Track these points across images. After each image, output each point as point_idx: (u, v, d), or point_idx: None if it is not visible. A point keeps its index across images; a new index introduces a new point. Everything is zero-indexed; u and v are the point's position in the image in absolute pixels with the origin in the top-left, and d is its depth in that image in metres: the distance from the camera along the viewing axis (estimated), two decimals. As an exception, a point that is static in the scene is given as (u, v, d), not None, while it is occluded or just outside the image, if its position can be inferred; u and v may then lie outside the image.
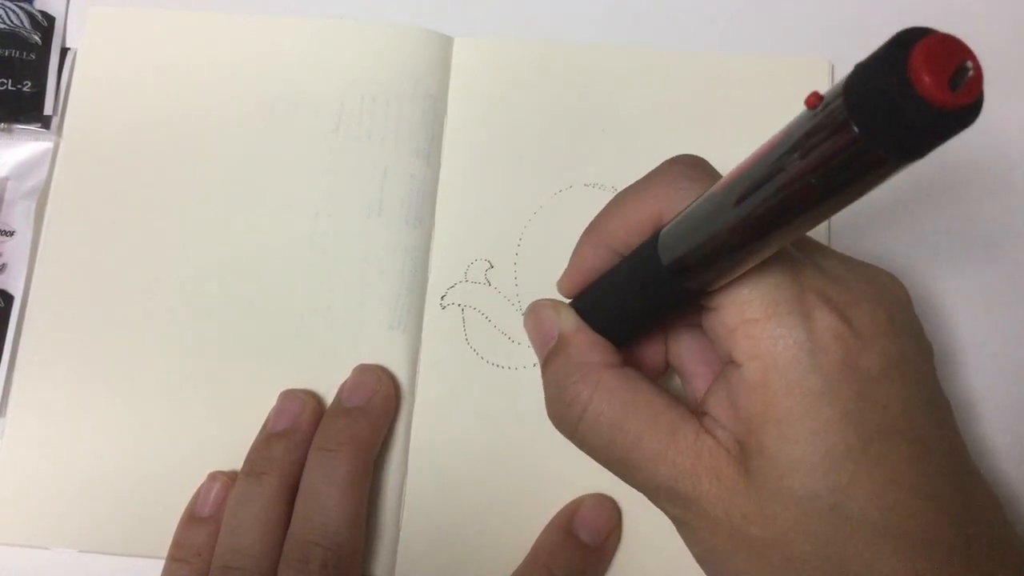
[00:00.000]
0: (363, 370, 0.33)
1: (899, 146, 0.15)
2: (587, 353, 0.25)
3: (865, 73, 0.15)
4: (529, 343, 0.34)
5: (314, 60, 0.37)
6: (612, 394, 0.24)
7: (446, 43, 0.38)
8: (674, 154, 0.36)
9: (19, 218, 0.36)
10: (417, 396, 0.34)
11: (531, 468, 0.33)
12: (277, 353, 0.35)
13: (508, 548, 0.32)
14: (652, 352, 0.28)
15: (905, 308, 0.24)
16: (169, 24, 0.38)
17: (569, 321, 0.27)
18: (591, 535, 0.32)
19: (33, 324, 0.35)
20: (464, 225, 0.36)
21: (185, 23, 0.38)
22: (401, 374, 0.34)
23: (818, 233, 0.34)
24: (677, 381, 0.30)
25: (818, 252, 0.24)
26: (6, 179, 0.37)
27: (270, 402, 0.33)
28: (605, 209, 0.27)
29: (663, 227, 0.23)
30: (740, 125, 0.36)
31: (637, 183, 0.26)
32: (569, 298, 0.28)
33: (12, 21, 0.38)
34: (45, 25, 0.38)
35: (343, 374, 0.34)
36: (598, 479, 0.33)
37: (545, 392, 0.26)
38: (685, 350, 0.27)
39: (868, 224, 0.36)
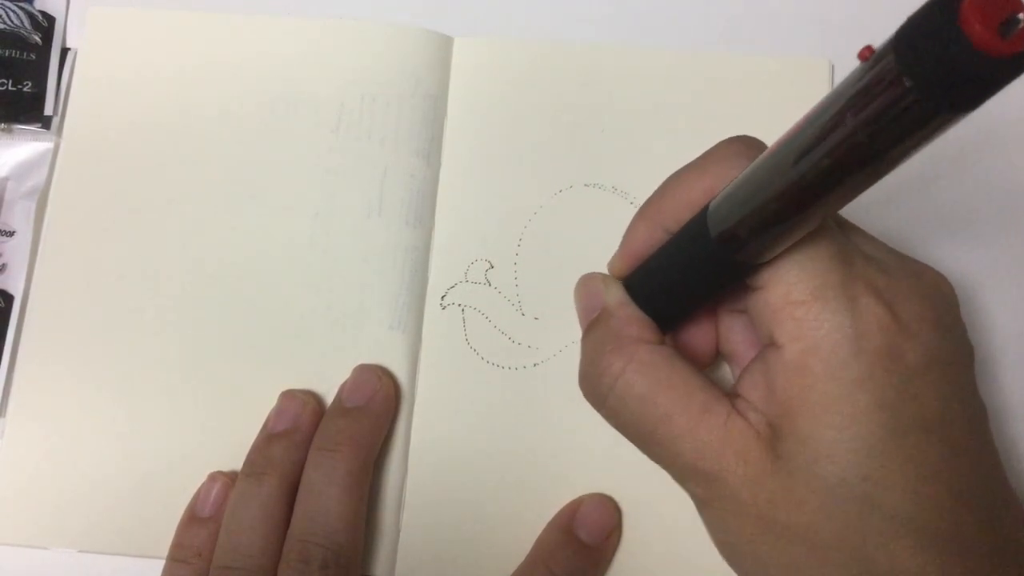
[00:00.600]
0: (363, 370, 0.33)
1: (951, 97, 0.15)
2: (625, 326, 0.25)
3: (915, 25, 0.15)
4: (531, 343, 0.35)
5: (314, 60, 0.37)
6: (645, 368, 0.24)
7: (446, 43, 0.38)
8: (674, 154, 0.36)
9: (19, 218, 0.36)
10: (417, 396, 0.34)
11: (531, 468, 0.33)
12: (277, 353, 0.35)
13: (508, 548, 0.32)
14: (702, 338, 0.28)
15: (951, 307, 0.23)
16: (169, 24, 0.38)
17: (615, 294, 0.26)
18: (591, 535, 0.32)
19: (33, 324, 0.35)
20: (464, 225, 0.36)
21: (185, 23, 0.38)
22: (401, 374, 0.34)
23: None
24: (724, 370, 0.30)
25: (868, 242, 0.24)
26: (6, 179, 0.37)
27: (270, 402, 0.33)
28: (659, 189, 0.27)
29: (712, 199, 0.23)
30: (740, 125, 0.36)
31: (692, 162, 0.26)
32: (620, 279, 0.28)
33: (12, 21, 0.38)
34: (45, 25, 0.38)
35: (343, 374, 0.34)
36: (599, 479, 0.33)
37: (580, 361, 0.26)
38: (736, 335, 0.27)
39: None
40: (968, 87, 0.14)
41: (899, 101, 0.15)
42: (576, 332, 0.35)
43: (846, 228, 0.24)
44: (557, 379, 0.34)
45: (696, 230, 0.23)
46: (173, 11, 0.38)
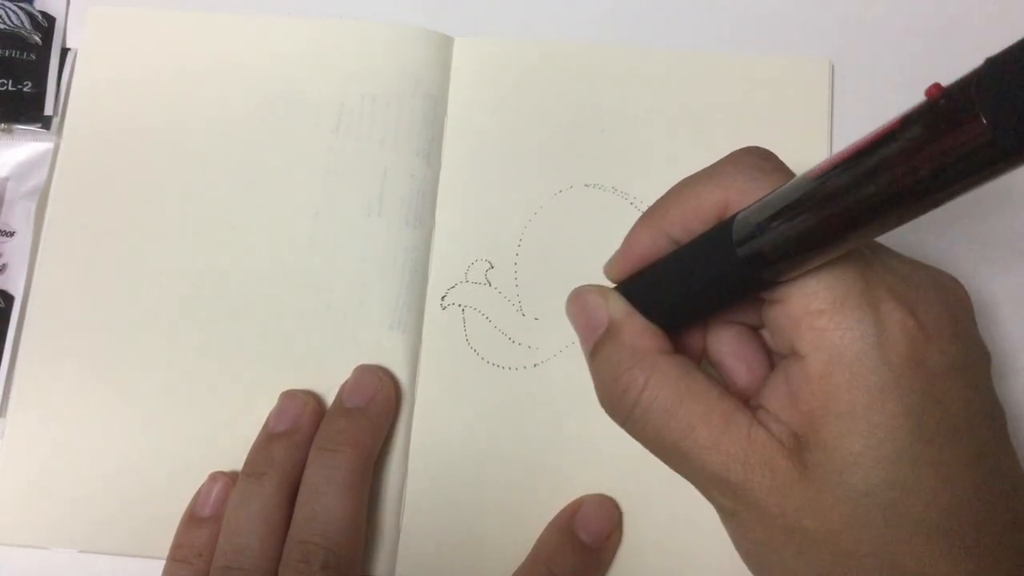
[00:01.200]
0: (363, 370, 0.33)
1: None
2: (640, 338, 0.25)
3: (1000, 67, 0.15)
4: (531, 343, 0.35)
5: (314, 60, 0.37)
6: (667, 380, 0.24)
7: (446, 43, 0.38)
8: (674, 154, 0.36)
9: (19, 218, 0.36)
10: (417, 396, 0.34)
11: (531, 468, 0.33)
12: (277, 353, 0.35)
13: (508, 548, 0.32)
14: (690, 344, 0.28)
15: (967, 312, 0.23)
16: (169, 24, 0.38)
17: (618, 306, 0.26)
18: (591, 535, 0.32)
19: (33, 324, 0.35)
20: (464, 225, 0.36)
21: (185, 23, 0.38)
22: (401, 374, 0.34)
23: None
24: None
25: (884, 251, 0.23)
26: (6, 179, 0.37)
27: (270, 402, 0.33)
28: (667, 195, 0.26)
29: (738, 213, 0.23)
30: (740, 125, 0.36)
31: (703, 171, 0.25)
32: (615, 282, 0.28)
33: (12, 21, 0.38)
34: (45, 25, 0.38)
35: (343, 374, 0.34)
36: (599, 479, 0.33)
37: (596, 379, 0.26)
38: (724, 346, 0.27)
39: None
40: None
41: (974, 141, 0.15)
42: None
43: None
44: (557, 379, 0.34)
45: (717, 243, 0.23)
46: (173, 11, 0.38)
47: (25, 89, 0.37)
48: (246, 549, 0.30)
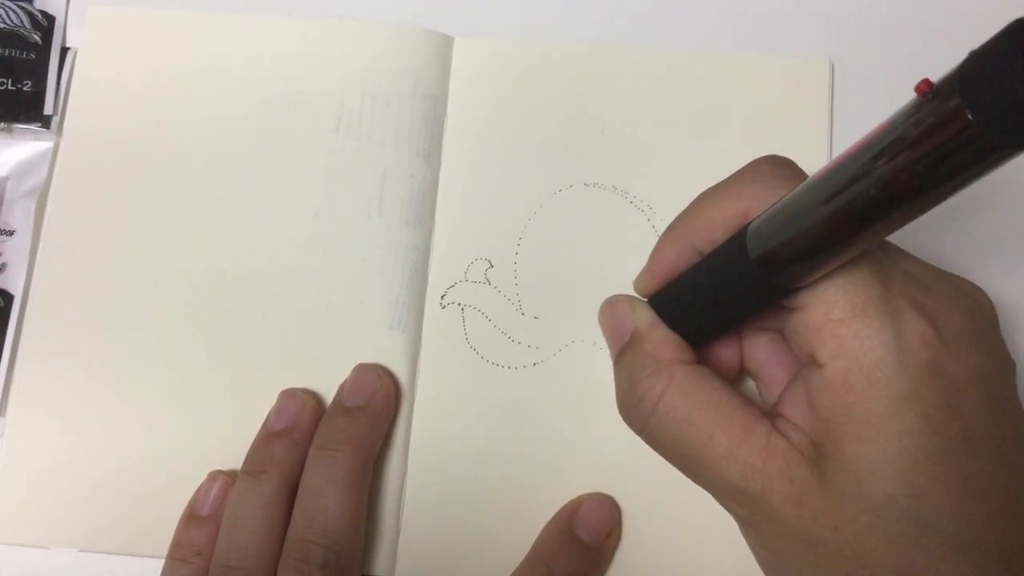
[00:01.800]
0: (363, 369, 0.33)
1: (1016, 133, 0.15)
2: (661, 348, 0.25)
3: (981, 60, 0.15)
4: (531, 343, 0.35)
5: (314, 60, 0.37)
6: (685, 390, 0.24)
7: (446, 43, 0.38)
8: (674, 153, 0.36)
9: (19, 218, 0.36)
10: (417, 396, 0.34)
11: (531, 467, 0.33)
12: (277, 353, 0.35)
13: (508, 547, 0.32)
14: (726, 355, 0.28)
15: (991, 321, 0.23)
16: (169, 24, 0.38)
17: (644, 316, 0.26)
18: (591, 534, 0.32)
19: (33, 324, 0.35)
20: (464, 225, 0.36)
21: (185, 23, 0.38)
22: (401, 374, 0.34)
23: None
24: (749, 384, 0.30)
25: (905, 258, 0.23)
26: (6, 179, 0.37)
27: (270, 402, 0.33)
28: (689, 207, 0.26)
29: (751, 221, 0.23)
30: (740, 125, 0.36)
31: (724, 181, 0.26)
32: (645, 296, 0.28)
33: (12, 21, 0.38)
34: (45, 25, 0.38)
35: (343, 374, 0.34)
36: (598, 479, 0.33)
37: (616, 386, 0.26)
38: (761, 353, 0.27)
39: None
40: None
41: (960, 135, 0.15)
42: (576, 331, 0.35)
43: (885, 246, 0.24)
44: (557, 378, 0.34)
45: (733, 252, 0.23)
46: (173, 11, 0.38)
47: (25, 88, 0.37)
48: (245, 548, 0.30)
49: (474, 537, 0.33)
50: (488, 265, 0.35)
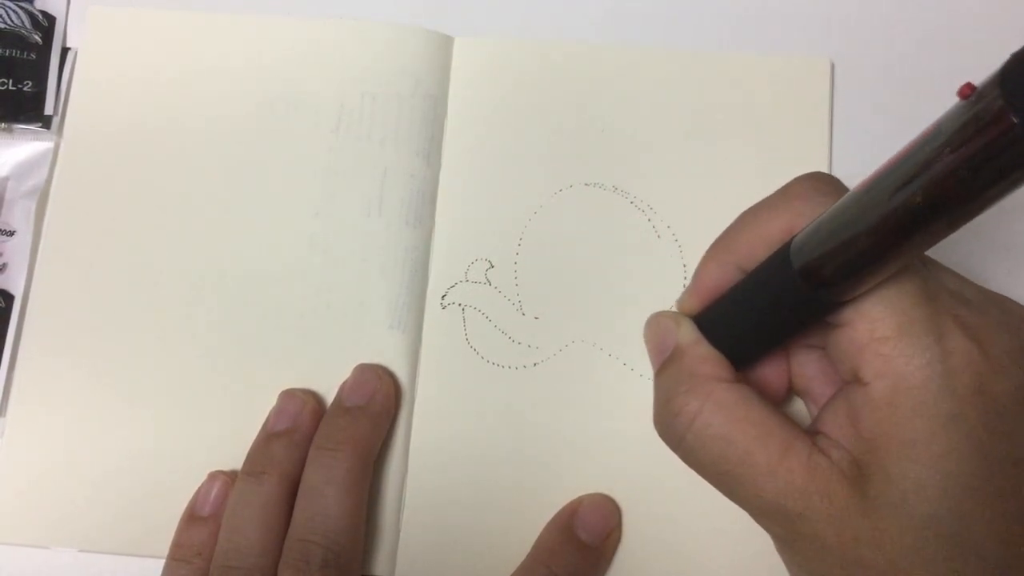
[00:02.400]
0: (363, 369, 0.33)
1: None
2: (700, 365, 0.25)
3: (1022, 62, 0.15)
4: (531, 343, 0.35)
5: (314, 60, 0.37)
6: (722, 407, 0.24)
7: (446, 43, 0.38)
8: (674, 153, 0.36)
9: (19, 218, 0.36)
10: (417, 396, 0.34)
11: (531, 468, 0.33)
12: (277, 353, 0.35)
13: (508, 548, 0.32)
14: (774, 375, 0.28)
15: None
16: (169, 24, 0.38)
17: (687, 333, 0.26)
18: (591, 535, 0.32)
19: (33, 324, 0.35)
20: (464, 225, 0.36)
21: (185, 23, 0.38)
22: (401, 374, 0.34)
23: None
24: (798, 405, 0.29)
25: (948, 274, 0.23)
26: (6, 179, 0.37)
27: (270, 402, 0.33)
28: (733, 225, 0.26)
29: (795, 236, 0.23)
30: (740, 125, 0.36)
31: (768, 199, 0.25)
32: (690, 316, 0.28)
33: (12, 21, 0.38)
34: (45, 25, 0.38)
35: (343, 374, 0.34)
36: (599, 479, 0.33)
37: (654, 401, 0.26)
38: (810, 371, 0.27)
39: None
40: None
41: (1004, 137, 0.15)
42: (576, 331, 0.35)
43: (929, 263, 0.23)
44: (557, 379, 0.34)
45: (777, 267, 0.23)
46: (173, 11, 0.38)
47: (25, 88, 0.37)
48: (246, 548, 0.30)
49: (474, 537, 0.33)
50: (488, 265, 0.35)
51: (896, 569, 0.21)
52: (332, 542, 0.29)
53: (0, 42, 0.38)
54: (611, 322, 0.35)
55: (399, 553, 0.33)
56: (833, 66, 0.37)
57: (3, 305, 0.35)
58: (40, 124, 0.37)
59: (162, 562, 0.31)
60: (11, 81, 0.37)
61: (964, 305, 0.22)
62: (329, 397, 0.34)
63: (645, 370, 0.34)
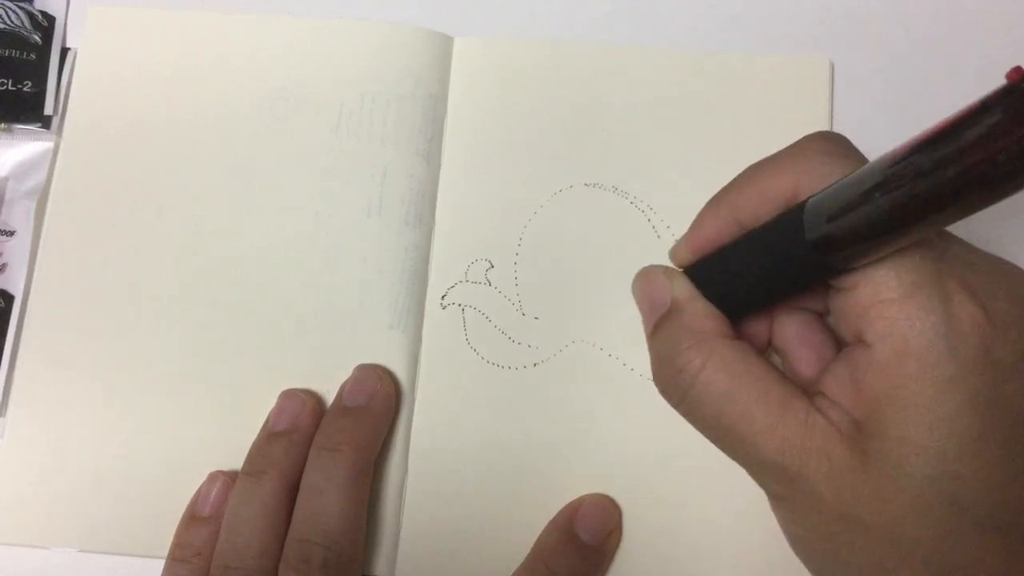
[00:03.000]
0: (364, 370, 0.33)
1: None
2: (701, 321, 0.25)
3: None
4: (531, 343, 0.35)
5: (314, 60, 0.37)
6: (725, 364, 0.24)
7: (446, 43, 0.38)
8: (674, 153, 0.36)
9: (19, 218, 0.36)
10: (417, 396, 0.34)
11: (531, 468, 0.33)
12: (277, 353, 0.35)
13: (508, 548, 0.32)
14: (756, 331, 0.27)
15: None
16: (169, 23, 0.38)
17: (683, 288, 0.26)
18: (591, 535, 0.32)
19: (33, 324, 0.35)
20: (464, 225, 0.36)
21: (185, 22, 0.38)
22: (401, 374, 0.34)
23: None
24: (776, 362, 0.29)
25: (957, 242, 0.23)
26: (6, 179, 0.37)
27: (270, 402, 0.33)
28: (735, 180, 0.26)
29: (810, 198, 0.22)
30: (740, 124, 0.36)
31: (774, 155, 0.25)
32: (682, 267, 0.28)
33: (12, 21, 0.38)
34: (45, 25, 0.38)
35: (343, 374, 0.34)
36: (599, 479, 0.33)
37: (652, 358, 0.26)
38: (792, 333, 0.27)
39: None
40: None
41: None
42: (576, 331, 0.35)
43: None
44: (557, 379, 0.34)
45: (787, 228, 0.23)
46: (173, 11, 0.38)
47: (25, 89, 0.37)
48: (246, 548, 0.30)
49: (474, 537, 0.33)
50: (488, 265, 0.35)
51: (893, 527, 0.21)
52: (332, 542, 0.29)
53: (0, 42, 0.38)
54: (611, 322, 0.35)
55: (399, 553, 0.33)
56: (833, 66, 0.37)
57: (3, 305, 0.35)
58: (40, 124, 0.37)
59: (162, 562, 0.31)
60: (11, 81, 0.37)
61: (970, 269, 0.22)
62: (329, 397, 0.34)
63: (645, 370, 0.34)
